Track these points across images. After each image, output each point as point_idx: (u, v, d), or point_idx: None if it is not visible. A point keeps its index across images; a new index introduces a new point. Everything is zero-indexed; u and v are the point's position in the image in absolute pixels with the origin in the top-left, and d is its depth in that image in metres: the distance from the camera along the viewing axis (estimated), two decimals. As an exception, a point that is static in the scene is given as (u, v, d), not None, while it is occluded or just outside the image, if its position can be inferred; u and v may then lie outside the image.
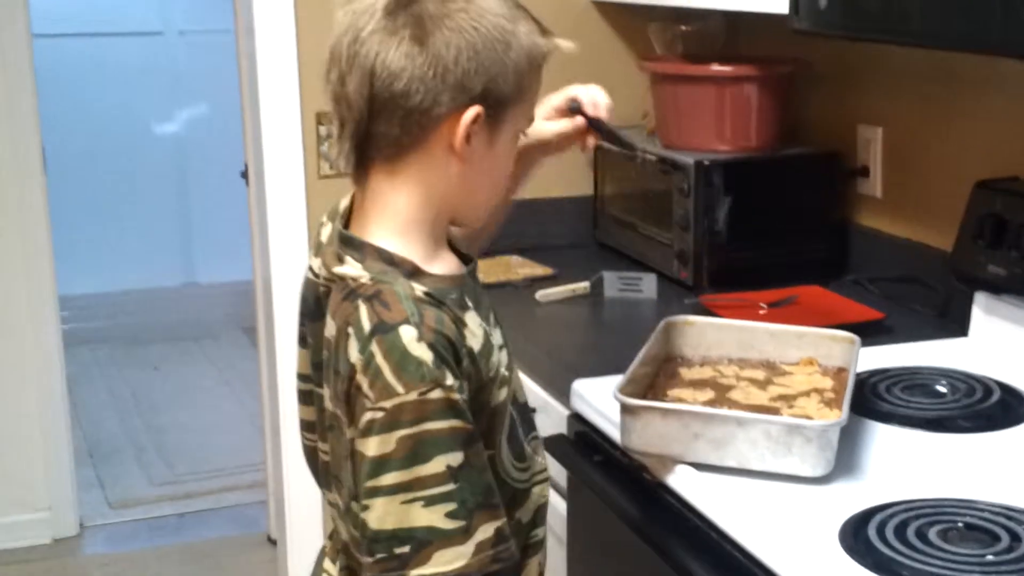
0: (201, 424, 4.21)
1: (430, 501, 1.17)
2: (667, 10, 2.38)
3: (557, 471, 1.81)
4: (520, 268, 2.45)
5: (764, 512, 1.33)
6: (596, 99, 1.54)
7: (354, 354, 1.21)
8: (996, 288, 1.78)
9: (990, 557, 1.20)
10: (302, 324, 1.38)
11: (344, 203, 1.35)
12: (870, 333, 1.78)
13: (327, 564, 1.40)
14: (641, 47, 2.56)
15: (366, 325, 1.22)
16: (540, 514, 1.36)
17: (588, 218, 2.63)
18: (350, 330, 1.22)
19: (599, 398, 1.66)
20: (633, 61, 2.61)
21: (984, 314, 1.84)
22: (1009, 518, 1.28)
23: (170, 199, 5.19)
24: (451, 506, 1.17)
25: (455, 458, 1.18)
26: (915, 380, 1.70)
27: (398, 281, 1.24)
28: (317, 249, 1.34)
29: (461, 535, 1.18)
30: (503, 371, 1.30)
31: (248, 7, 2.53)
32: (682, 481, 1.42)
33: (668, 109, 2.30)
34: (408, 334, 1.20)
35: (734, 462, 1.40)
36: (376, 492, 1.18)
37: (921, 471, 1.43)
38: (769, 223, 2.24)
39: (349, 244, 1.28)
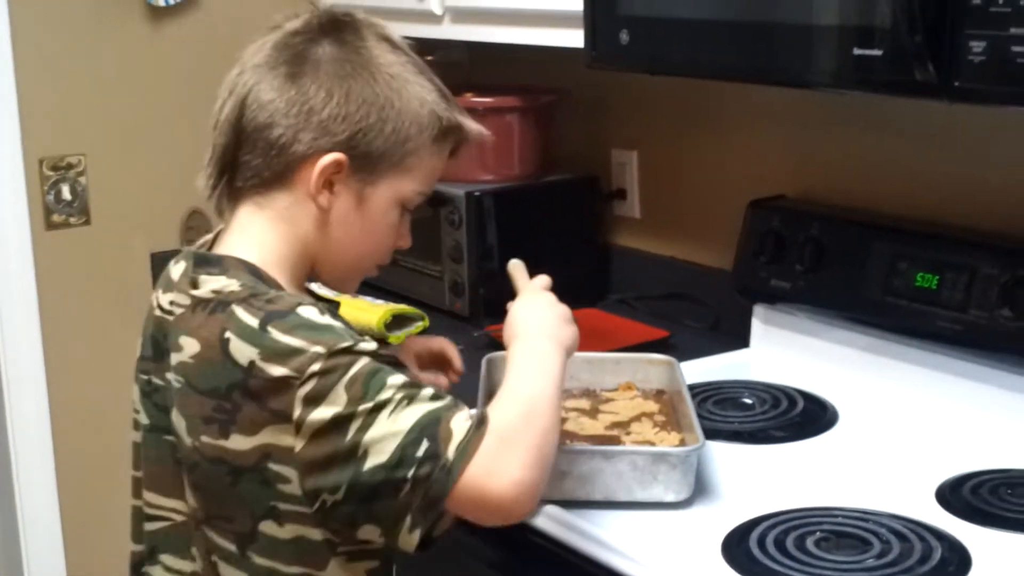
0: None
1: (409, 400, 1.16)
2: (410, 41, 2.36)
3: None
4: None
5: (640, 539, 1.35)
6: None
7: (245, 351, 1.17)
8: (780, 300, 1.89)
9: (871, 562, 1.27)
10: (144, 372, 1.31)
11: (205, 239, 1.36)
12: (658, 352, 1.84)
13: None
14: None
15: (252, 322, 1.18)
16: None
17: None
18: (229, 334, 1.18)
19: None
20: (375, 93, 2.58)
21: (763, 325, 1.95)
22: (866, 521, 1.36)
23: None
24: (429, 391, 1.18)
25: (403, 374, 1.19)
26: (721, 395, 1.77)
27: (271, 290, 1.23)
28: (167, 285, 1.30)
29: (454, 404, 1.19)
30: None
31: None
32: (550, 520, 1.41)
33: (429, 141, 2.28)
34: (309, 311, 1.20)
35: (600, 495, 1.41)
36: (359, 438, 1.14)
37: (765, 484, 1.49)
38: (537, 250, 2.23)
39: (206, 263, 1.26)
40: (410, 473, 1.14)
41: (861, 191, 1.89)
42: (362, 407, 1.15)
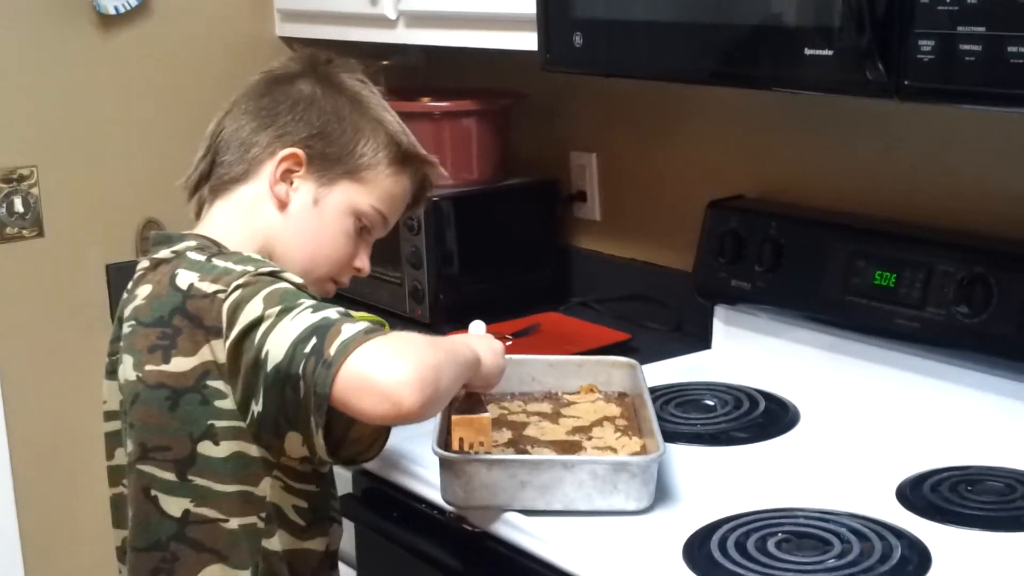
0: None
1: (315, 309, 1.20)
2: (365, 46, 2.35)
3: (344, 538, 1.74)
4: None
5: (601, 545, 1.34)
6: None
7: (187, 277, 1.26)
8: (740, 300, 1.88)
9: (832, 562, 1.26)
10: (111, 353, 1.36)
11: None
12: (620, 354, 1.83)
13: None
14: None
15: (200, 257, 1.29)
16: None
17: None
18: (178, 271, 1.28)
19: (393, 451, 1.61)
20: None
21: (724, 326, 1.95)
22: (827, 521, 1.35)
23: None
24: (341, 310, 1.22)
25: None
26: (684, 397, 1.77)
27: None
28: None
29: (360, 323, 1.20)
30: None
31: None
32: (510, 529, 1.40)
33: (387, 147, 2.26)
34: (257, 255, 1.31)
35: (560, 505, 1.39)
36: (263, 341, 1.19)
37: (726, 486, 1.49)
38: (497, 254, 2.27)
39: (167, 239, 1.36)
40: (300, 369, 1.17)
41: (818, 190, 1.89)
42: (270, 311, 1.20)
